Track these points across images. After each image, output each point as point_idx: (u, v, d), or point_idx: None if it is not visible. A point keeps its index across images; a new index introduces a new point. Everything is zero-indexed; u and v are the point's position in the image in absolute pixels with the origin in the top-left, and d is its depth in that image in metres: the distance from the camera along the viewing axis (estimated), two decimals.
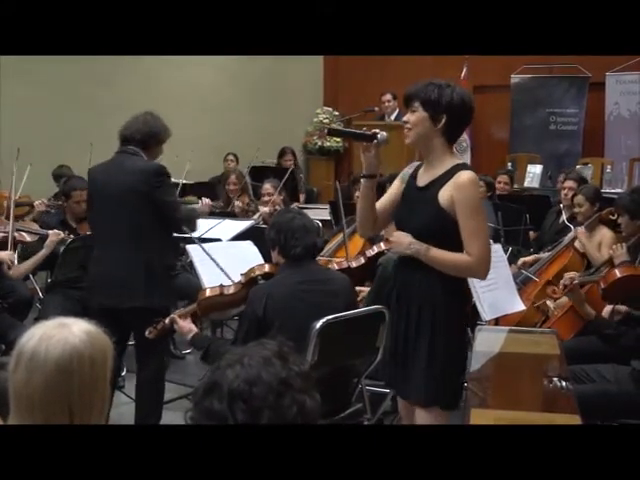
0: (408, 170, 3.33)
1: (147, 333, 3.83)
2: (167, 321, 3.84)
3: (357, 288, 4.33)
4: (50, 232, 5.20)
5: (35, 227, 5.49)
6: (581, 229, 5.25)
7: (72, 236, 5.25)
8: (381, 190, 5.55)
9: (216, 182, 7.95)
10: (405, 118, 3.11)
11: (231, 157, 8.80)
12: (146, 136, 4.22)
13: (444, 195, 3.00)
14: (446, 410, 3.09)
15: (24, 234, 5.32)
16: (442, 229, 3.01)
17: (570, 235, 5.38)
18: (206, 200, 5.41)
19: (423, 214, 3.07)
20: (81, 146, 6.62)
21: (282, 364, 1.65)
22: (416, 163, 3.33)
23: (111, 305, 4.09)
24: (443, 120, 3.00)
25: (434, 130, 3.03)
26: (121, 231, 4.18)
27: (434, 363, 3.02)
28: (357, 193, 5.42)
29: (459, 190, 2.97)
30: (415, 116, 3.04)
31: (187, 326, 3.77)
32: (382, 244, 4.77)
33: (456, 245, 2.99)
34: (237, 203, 6.48)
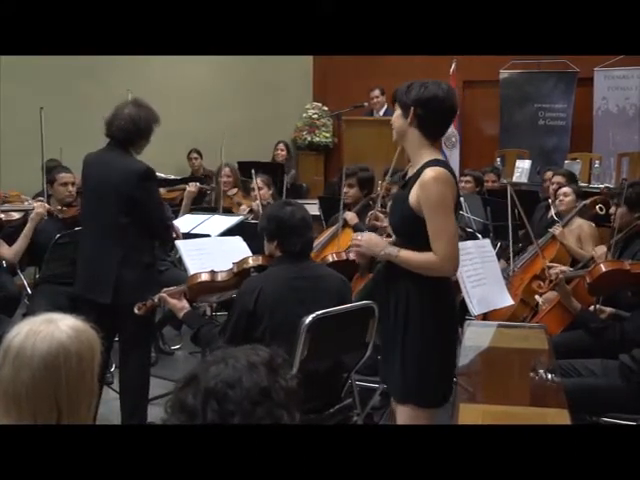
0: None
1: (136, 309, 3.83)
2: (156, 299, 3.84)
3: None
4: (35, 204, 5.20)
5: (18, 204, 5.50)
6: (559, 229, 5.35)
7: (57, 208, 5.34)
8: (370, 185, 5.61)
9: (206, 176, 7.95)
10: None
11: (194, 154, 8.64)
12: (130, 134, 4.18)
13: (413, 194, 3.00)
14: (425, 408, 3.09)
15: (12, 213, 5.33)
16: (412, 228, 3.02)
17: (550, 233, 5.43)
18: (193, 183, 5.40)
19: (397, 213, 3.13)
20: (73, 143, 6.56)
21: (268, 374, 1.62)
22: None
23: (91, 298, 4.10)
24: (411, 113, 3.02)
25: (407, 125, 3.06)
26: (102, 226, 4.20)
27: (406, 361, 3.04)
28: (346, 189, 5.46)
29: (422, 189, 2.97)
30: (395, 115, 3.12)
31: (180, 303, 3.77)
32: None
33: (422, 240, 2.99)
34: (236, 200, 6.49)
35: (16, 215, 5.35)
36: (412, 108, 3.02)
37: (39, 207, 5.21)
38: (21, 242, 5.19)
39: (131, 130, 4.17)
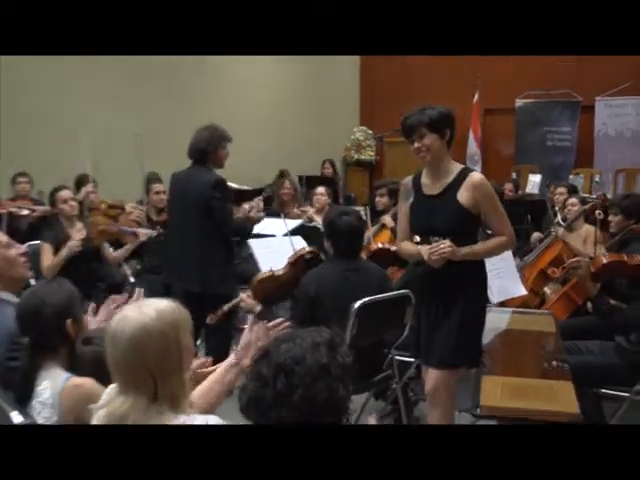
0: (406, 187, 3.27)
1: (208, 320, 3.86)
2: (225, 308, 3.87)
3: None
4: (141, 232, 5.22)
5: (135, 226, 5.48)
6: (561, 230, 5.28)
7: (158, 229, 5.27)
8: (395, 196, 5.61)
9: (270, 187, 7.96)
10: (417, 145, 3.03)
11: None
12: (198, 152, 4.28)
13: (463, 195, 2.99)
14: (461, 368, 3.13)
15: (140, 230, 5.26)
16: (464, 223, 3.02)
17: (553, 234, 5.36)
18: (245, 206, 5.44)
19: (446, 215, 3.03)
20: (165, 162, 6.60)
21: (328, 352, 1.62)
22: (407, 180, 3.27)
23: (183, 287, 4.18)
24: (448, 133, 3.03)
25: (444, 145, 3.04)
26: (186, 230, 4.27)
27: (461, 332, 3.04)
28: (377, 199, 5.49)
29: (478, 189, 2.99)
30: (428, 139, 3.01)
31: (254, 302, 3.81)
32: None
33: (472, 234, 3.04)
34: (296, 211, 6.49)
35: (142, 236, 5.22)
36: (448, 129, 3.02)
37: (142, 236, 5.18)
38: (58, 259, 4.55)
39: (201, 149, 4.26)
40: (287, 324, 2.38)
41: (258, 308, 3.79)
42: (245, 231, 4.55)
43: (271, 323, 2.33)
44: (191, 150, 4.30)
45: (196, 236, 4.23)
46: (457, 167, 3.08)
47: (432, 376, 3.13)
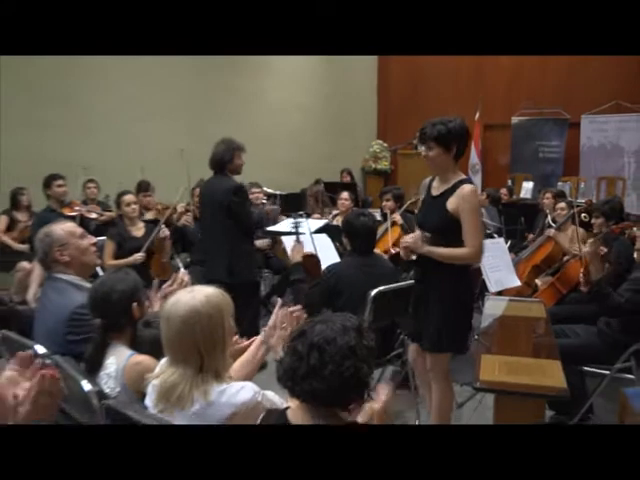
0: (424, 185, 3.28)
1: None
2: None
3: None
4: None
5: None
6: (552, 231, 5.22)
7: None
8: (402, 198, 5.60)
9: (302, 193, 7.97)
10: (424, 153, 2.97)
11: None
12: (217, 163, 4.31)
13: (451, 202, 2.90)
14: (450, 353, 3.08)
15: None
16: (448, 227, 2.91)
17: (545, 234, 5.31)
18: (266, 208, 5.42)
19: (436, 216, 2.98)
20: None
21: (356, 336, 1.64)
22: (427, 180, 3.25)
23: (213, 278, 4.20)
24: (455, 148, 2.92)
25: (449, 157, 2.93)
26: (214, 228, 4.33)
27: (444, 323, 2.98)
28: (384, 203, 5.48)
29: (464, 200, 2.87)
30: (433, 152, 2.92)
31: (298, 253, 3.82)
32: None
33: (457, 238, 2.90)
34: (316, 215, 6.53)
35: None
36: (455, 147, 2.91)
37: (180, 208, 5.37)
38: (122, 262, 4.37)
39: (217, 160, 4.30)
40: (301, 308, 2.35)
41: (300, 256, 3.79)
42: (262, 226, 4.68)
43: (291, 309, 2.33)
44: (211, 162, 4.33)
45: (222, 232, 4.28)
46: (458, 177, 2.97)
47: (428, 358, 3.14)
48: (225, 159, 4.29)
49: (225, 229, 4.26)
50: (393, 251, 4.71)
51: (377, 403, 1.84)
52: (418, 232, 3.07)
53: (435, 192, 3.06)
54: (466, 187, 2.88)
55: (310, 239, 4.35)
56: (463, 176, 3.00)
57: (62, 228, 2.83)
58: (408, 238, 3.05)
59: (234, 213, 4.23)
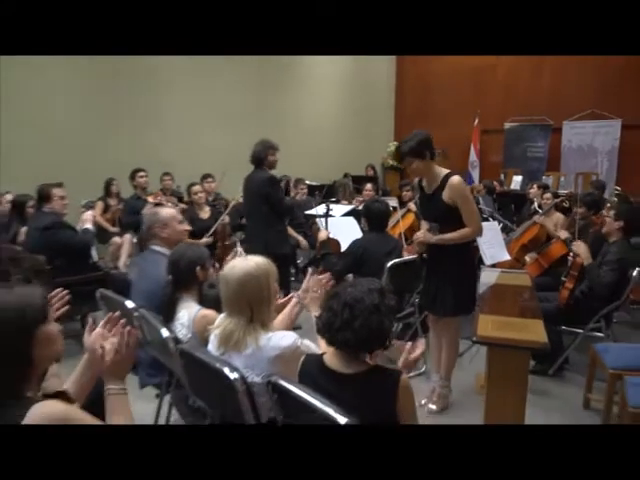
0: (415, 186, 3.24)
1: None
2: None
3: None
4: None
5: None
6: (538, 217, 5.07)
7: None
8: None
9: (334, 184, 7.91)
10: (407, 169, 2.92)
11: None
12: (255, 160, 4.23)
13: (445, 194, 2.84)
14: (462, 315, 3.06)
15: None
16: (447, 214, 2.86)
17: (532, 220, 5.17)
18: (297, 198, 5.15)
19: (437, 209, 2.90)
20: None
21: (379, 296, 1.63)
22: (415, 181, 3.16)
23: (254, 252, 4.16)
24: (427, 153, 2.84)
25: (426, 162, 2.85)
26: (254, 213, 4.29)
27: (456, 291, 2.98)
28: (404, 192, 5.39)
29: (453, 189, 2.81)
30: (414, 165, 2.86)
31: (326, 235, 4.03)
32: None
33: (459, 221, 2.85)
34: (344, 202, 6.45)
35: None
36: (427, 152, 2.83)
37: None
38: (193, 242, 4.12)
39: (255, 157, 4.22)
40: (330, 276, 2.33)
41: (325, 236, 3.92)
42: (293, 211, 4.69)
43: (321, 276, 2.32)
44: (252, 159, 4.26)
45: (260, 216, 4.23)
46: (443, 173, 2.88)
47: (442, 321, 3.13)
48: (261, 156, 4.22)
49: (262, 213, 4.21)
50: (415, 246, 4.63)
51: (414, 354, 1.82)
52: (424, 228, 3.04)
53: (428, 190, 2.97)
54: (453, 179, 2.83)
55: (336, 221, 4.34)
56: (446, 170, 2.91)
57: (167, 212, 2.87)
58: (419, 234, 3.00)
59: (269, 200, 4.18)
